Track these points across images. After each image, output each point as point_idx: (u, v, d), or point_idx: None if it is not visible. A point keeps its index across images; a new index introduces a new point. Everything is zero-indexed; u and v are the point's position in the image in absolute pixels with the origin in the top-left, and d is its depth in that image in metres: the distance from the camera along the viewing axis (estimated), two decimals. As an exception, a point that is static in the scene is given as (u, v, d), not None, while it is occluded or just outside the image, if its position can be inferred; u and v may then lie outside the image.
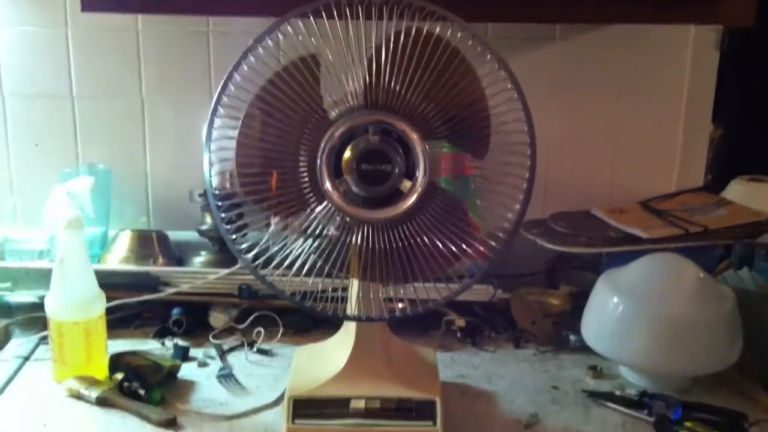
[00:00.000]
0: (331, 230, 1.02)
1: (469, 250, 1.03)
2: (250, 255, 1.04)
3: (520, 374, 1.31)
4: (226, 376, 1.27)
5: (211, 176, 1.02)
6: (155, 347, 1.36)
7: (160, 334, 1.41)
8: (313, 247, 1.02)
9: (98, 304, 1.23)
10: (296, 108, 1.00)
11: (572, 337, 1.39)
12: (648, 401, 1.18)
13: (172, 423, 1.12)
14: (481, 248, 1.04)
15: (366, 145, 0.99)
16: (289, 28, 0.99)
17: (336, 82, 1.00)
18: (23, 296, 1.47)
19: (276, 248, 1.04)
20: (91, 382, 1.19)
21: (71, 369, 1.21)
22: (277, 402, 1.19)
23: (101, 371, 1.23)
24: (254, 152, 1.01)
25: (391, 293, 1.09)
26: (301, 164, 1.01)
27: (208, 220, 1.52)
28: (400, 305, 1.09)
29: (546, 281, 1.60)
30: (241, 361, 1.33)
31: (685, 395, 1.22)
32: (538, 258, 1.58)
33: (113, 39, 1.57)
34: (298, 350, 1.24)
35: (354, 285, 1.08)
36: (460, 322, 1.44)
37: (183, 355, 1.33)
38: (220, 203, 1.03)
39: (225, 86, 0.99)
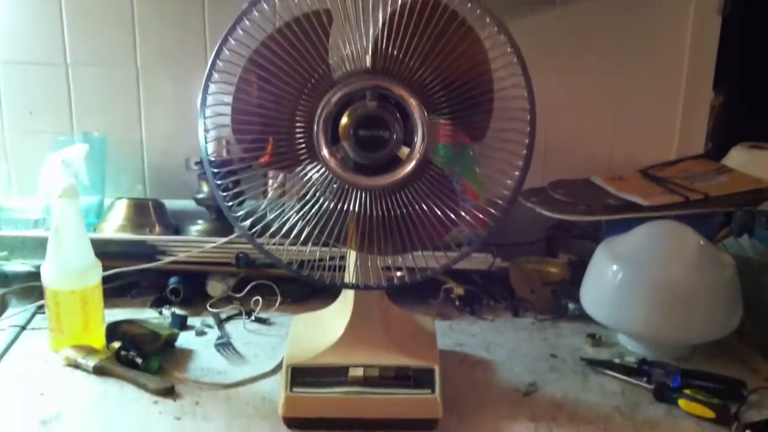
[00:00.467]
0: (329, 198, 1.01)
1: (467, 217, 1.02)
2: (247, 223, 1.03)
3: (518, 342, 1.31)
4: (224, 345, 1.27)
5: (206, 143, 1.01)
6: (153, 316, 1.36)
7: (158, 303, 1.41)
8: (310, 214, 1.01)
9: (94, 272, 1.23)
10: (296, 67, 0.98)
11: (571, 306, 1.39)
12: (647, 369, 1.18)
13: (169, 392, 1.12)
14: (480, 215, 1.03)
15: (364, 111, 0.98)
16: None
17: (333, 48, 0.98)
18: (19, 265, 1.46)
19: (273, 215, 1.03)
20: (89, 351, 1.19)
21: (68, 338, 1.21)
22: (275, 370, 1.18)
23: (98, 340, 1.22)
24: (250, 118, 1.00)
25: (390, 261, 1.08)
26: (298, 131, 1.00)
27: (205, 188, 1.51)
28: (399, 273, 1.08)
29: (545, 249, 1.60)
30: (239, 329, 1.33)
31: (685, 363, 1.22)
32: (537, 226, 1.58)
33: (107, 4, 1.55)
34: (296, 319, 1.23)
35: (352, 253, 1.07)
36: (459, 291, 1.44)
37: (181, 324, 1.32)
38: (216, 170, 1.02)
39: (220, 50, 0.97)
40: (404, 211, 1.02)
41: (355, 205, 1.01)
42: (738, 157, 1.61)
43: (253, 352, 1.26)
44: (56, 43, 1.56)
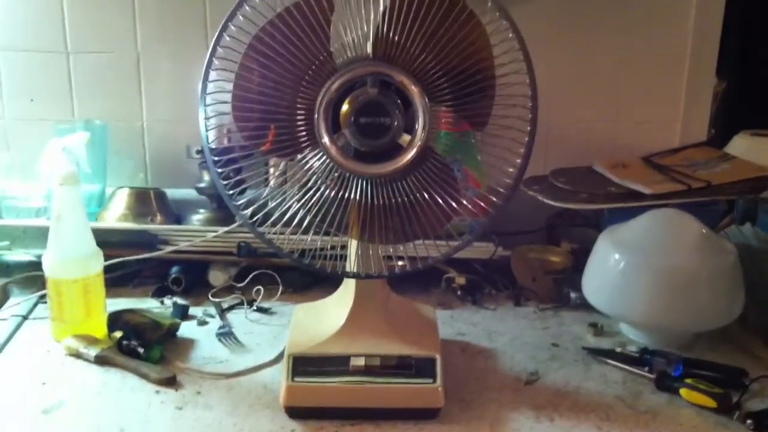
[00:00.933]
0: (329, 186, 1.00)
1: (469, 205, 1.02)
2: (248, 211, 1.03)
3: (520, 331, 1.31)
4: (226, 334, 1.26)
5: (207, 131, 1.00)
6: (154, 306, 1.36)
7: (159, 293, 1.41)
8: (311, 203, 1.01)
9: (96, 260, 1.23)
10: (297, 54, 0.97)
11: (573, 295, 1.39)
12: (649, 358, 1.18)
13: (171, 381, 1.12)
14: (482, 203, 1.02)
15: (365, 98, 0.97)
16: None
17: (334, 34, 0.98)
18: (21, 255, 1.46)
19: (273, 204, 1.02)
20: (90, 340, 1.19)
21: (70, 327, 1.21)
22: (276, 360, 1.18)
23: (100, 329, 1.22)
24: (251, 106, 0.99)
25: (391, 250, 1.08)
26: (299, 118, 0.99)
27: (206, 177, 1.51)
28: (400, 262, 1.08)
29: (547, 238, 1.60)
30: (240, 319, 1.33)
31: (687, 351, 1.22)
32: (539, 215, 1.58)
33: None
34: (298, 308, 1.23)
35: (353, 242, 1.07)
36: (461, 280, 1.44)
37: (182, 313, 1.32)
38: (216, 158, 1.02)
39: (220, 37, 0.97)
40: (405, 199, 1.01)
41: (356, 194, 1.00)
42: (741, 145, 1.60)
43: (255, 341, 1.25)
44: (57, 31, 1.56)
